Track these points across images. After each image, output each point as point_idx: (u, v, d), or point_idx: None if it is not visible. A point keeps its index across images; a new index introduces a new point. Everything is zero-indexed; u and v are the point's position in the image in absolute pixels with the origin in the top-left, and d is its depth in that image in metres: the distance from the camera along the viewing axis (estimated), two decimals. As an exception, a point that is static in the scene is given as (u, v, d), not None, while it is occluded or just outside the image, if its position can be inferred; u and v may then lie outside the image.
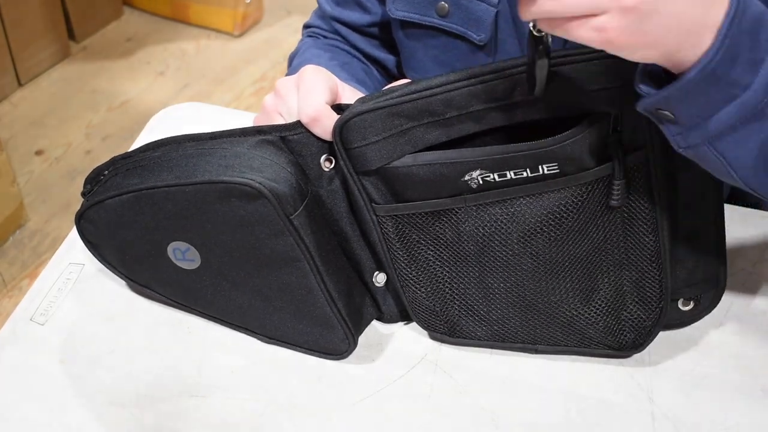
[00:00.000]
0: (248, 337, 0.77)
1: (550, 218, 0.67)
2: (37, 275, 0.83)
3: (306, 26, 1.02)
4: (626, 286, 0.71)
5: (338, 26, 0.97)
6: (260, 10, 2.67)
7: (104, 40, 2.58)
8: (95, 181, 0.75)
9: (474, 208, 0.68)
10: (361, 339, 0.75)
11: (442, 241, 0.70)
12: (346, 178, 0.70)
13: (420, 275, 0.72)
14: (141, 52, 2.55)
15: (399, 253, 0.72)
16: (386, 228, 0.71)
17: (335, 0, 0.96)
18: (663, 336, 0.75)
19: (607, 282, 0.71)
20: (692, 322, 0.75)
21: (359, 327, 0.75)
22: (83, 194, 0.75)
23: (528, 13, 0.54)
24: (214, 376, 0.74)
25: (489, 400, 0.71)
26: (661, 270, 0.69)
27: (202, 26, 2.64)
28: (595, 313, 0.71)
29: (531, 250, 0.69)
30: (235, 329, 0.77)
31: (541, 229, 0.68)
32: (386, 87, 0.68)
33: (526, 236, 0.68)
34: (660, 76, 0.58)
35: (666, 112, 0.58)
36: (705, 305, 0.74)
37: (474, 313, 0.73)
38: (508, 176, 0.66)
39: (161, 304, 0.79)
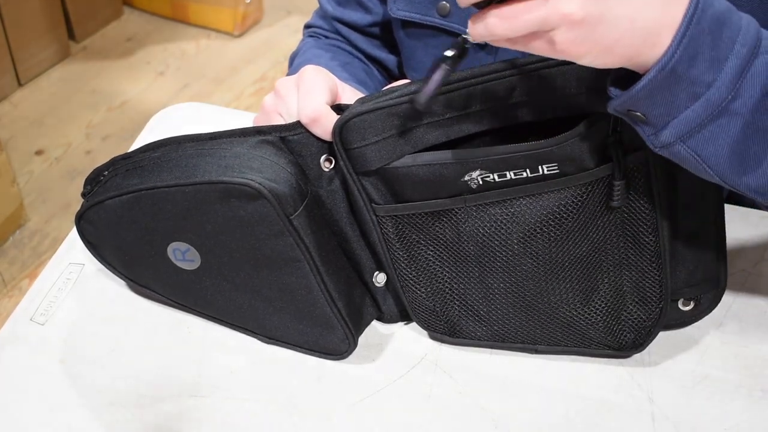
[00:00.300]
0: (248, 337, 0.77)
1: (550, 218, 0.67)
2: (37, 275, 0.83)
3: (307, 26, 1.02)
4: (626, 286, 0.71)
5: (339, 26, 0.97)
6: (260, 10, 2.67)
7: (104, 40, 2.59)
8: (95, 181, 0.75)
9: (474, 208, 0.68)
10: (361, 339, 0.75)
11: (441, 242, 0.70)
12: (346, 178, 0.69)
13: (420, 275, 0.72)
14: (141, 52, 2.55)
15: (399, 254, 0.72)
16: (386, 228, 0.71)
17: (336, 0, 0.96)
18: (663, 336, 0.75)
19: (607, 282, 0.71)
20: (692, 322, 0.75)
21: (359, 327, 0.75)
22: (83, 195, 0.75)
23: (480, 37, 0.56)
24: (214, 376, 0.74)
25: (489, 400, 0.71)
26: (661, 270, 0.69)
27: (202, 26, 2.64)
28: (595, 313, 0.71)
29: (531, 250, 0.69)
30: (235, 329, 0.77)
31: (541, 229, 0.68)
32: (386, 87, 0.68)
33: (526, 236, 0.68)
34: (629, 78, 0.58)
35: (637, 113, 0.58)
36: (705, 305, 0.74)
37: (474, 313, 0.73)
38: (508, 176, 0.66)
39: (161, 305, 0.79)
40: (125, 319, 0.78)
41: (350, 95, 0.73)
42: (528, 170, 0.65)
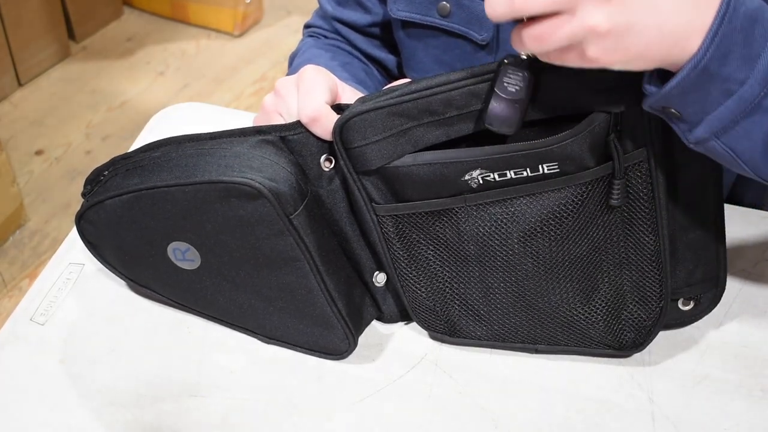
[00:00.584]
0: (248, 337, 0.77)
1: (551, 218, 0.67)
2: (37, 275, 0.83)
3: (307, 26, 1.02)
4: (626, 285, 0.71)
5: (339, 26, 0.97)
6: (260, 10, 2.67)
7: (104, 40, 2.59)
8: (95, 181, 0.75)
9: (474, 207, 0.68)
10: (361, 339, 0.75)
11: (442, 241, 0.70)
12: (346, 177, 0.69)
13: (420, 275, 0.72)
14: (141, 52, 2.55)
15: (399, 253, 0.72)
16: (386, 228, 0.71)
17: (336, 0, 0.96)
18: (663, 336, 0.75)
19: (607, 281, 0.71)
20: (692, 322, 0.75)
21: (359, 327, 0.75)
22: (83, 195, 0.75)
23: (521, 51, 0.59)
24: (214, 376, 0.74)
25: (489, 400, 0.71)
26: (661, 269, 0.69)
27: (202, 26, 2.64)
28: (595, 312, 0.71)
29: (531, 249, 0.69)
30: (235, 329, 0.77)
31: (542, 228, 0.68)
32: (386, 87, 0.68)
33: (527, 236, 0.68)
34: (665, 74, 0.59)
35: (672, 110, 0.59)
36: (705, 305, 0.74)
37: (474, 313, 0.73)
38: (509, 176, 0.66)
39: (161, 304, 0.79)
40: (125, 319, 0.78)
41: (350, 95, 0.73)
42: (528, 169, 0.65)
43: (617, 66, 0.57)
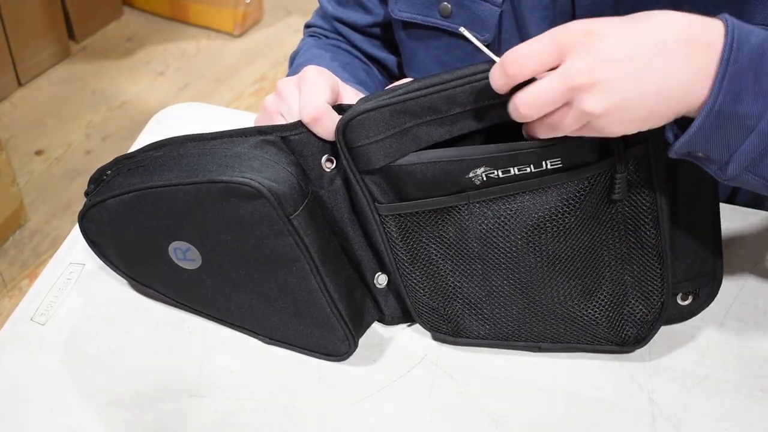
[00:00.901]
0: (248, 337, 0.77)
1: (553, 213, 0.67)
2: (37, 275, 0.83)
3: (307, 26, 1.02)
4: (628, 280, 0.71)
5: (340, 26, 0.97)
6: (260, 10, 2.67)
7: (104, 40, 2.59)
8: (98, 180, 0.75)
9: (477, 205, 0.68)
10: (362, 339, 0.75)
11: (445, 240, 0.70)
12: (349, 177, 0.69)
13: (423, 275, 0.72)
14: (141, 52, 2.55)
15: (402, 253, 0.72)
16: (389, 227, 0.71)
17: (337, 0, 0.96)
18: (663, 336, 0.75)
19: (609, 277, 0.71)
20: (691, 317, 0.75)
21: (360, 328, 0.75)
22: (86, 194, 0.75)
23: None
24: (214, 376, 0.74)
25: (489, 400, 0.71)
26: (662, 263, 0.70)
27: (202, 26, 2.64)
28: (597, 308, 0.72)
29: (534, 245, 0.69)
30: (235, 330, 0.77)
31: (545, 224, 0.68)
32: (389, 86, 0.68)
33: (530, 232, 0.68)
34: (686, 120, 0.60)
35: (699, 153, 0.60)
36: (703, 299, 0.74)
37: (477, 312, 0.73)
38: (512, 172, 0.66)
39: (162, 304, 0.79)
40: (125, 319, 0.78)
41: (351, 95, 0.73)
42: (532, 166, 0.65)
43: (635, 130, 0.59)
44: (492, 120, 0.65)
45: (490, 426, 0.69)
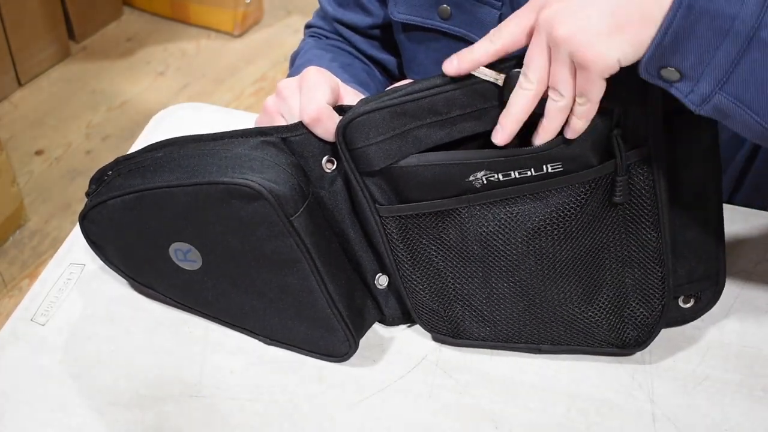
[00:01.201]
0: (249, 337, 0.77)
1: (554, 217, 0.67)
2: (37, 275, 0.83)
3: (308, 26, 1.02)
4: (629, 283, 0.71)
5: (340, 27, 0.97)
6: (260, 10, 2.67)
7: (104, 40, 2.59)
8: (99, 181, 0.75)
9: (478, 208, 0.68)
10: (362, 340, 0.75)
11: (445, 242, 0.70)
12: (349, 179, 0.69)
13: (423, 276, 0.72)
14: (141, 52, 2.55)
15: (402, 255, 0.71)
16: (389, 229, 0.70)
17: (337, 1, 0.96)
18: (664, 336, 0.75)
19: (610, 279, 0.71)
20: (692, 320, 0.75)
21: (360, 329, 0.75)
22: (87, 194, 0.75)
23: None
24: (214, 376, 0.74)
25: (489, 400, 0.71)
26: (663, 266, 0.70)
27: (202, 26, 2.64)
28: (598, 311, 0.72)
29: (535, 248, 0.69)
30: (236, 330, 0.77)
31: (545, 228, 0.68)
32: (389, 87, 0.68)
33: (531, 235, 0.68)
34: None
35: (670, 69, 0.58)
36: (705, 303, 0.74)
37: (478, 314, 0.73)
38: (513, 176, 0.66)
39: (162, 304, 0.79)
40: (125, 319, 0.78)
41: (352, 96, 0.73)
42: (533, 169, 0.65)
43: (615, 50, 0.57)
44: (493, 123, 0.65)
45: (490, 426, 0.69)
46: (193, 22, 2.65)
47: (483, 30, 0.84)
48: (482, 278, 0.71)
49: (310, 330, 0.74)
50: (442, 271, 0.72)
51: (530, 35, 0.60)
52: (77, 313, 0.79)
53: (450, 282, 0.72)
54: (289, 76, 0.88)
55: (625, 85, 0.62)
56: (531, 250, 0.69)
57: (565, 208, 0.67)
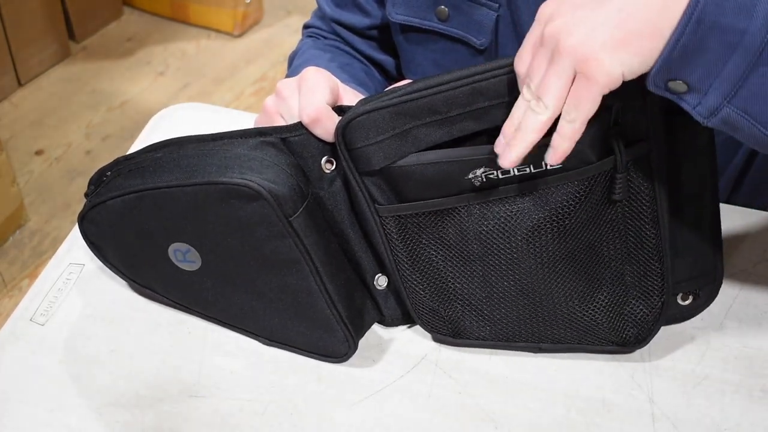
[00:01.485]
0: (248, 338, 0.77)
1: (554, 214, 0.67)
2: (37, 275, 0.83)
3: (306, 26, 1.02)
4: (628, 280, 0.71)
5: (338, 28, 0.97)
6: (260, 10, 2.67)
7: (104, 40, 2.59)
8: (98, 181, 0.75)
9: (477, 206, 0.68)
10: (361, 340, 0.75)
11: (445, 241, 0.70)
12: (348, 179, 0.69)
13: (423, 276, 0.72)
14: (141, 52, 2.55)
15: (402, 254, 0.72)
16: (389, 229, 0.70)
17: (335, 2, 0.96)
18: (663, 336, 0.75)
19: (609, 277, 0.71)
20: (691, 317, 0.75)
21: (360, 330, 0.75)
22: (86, 195, 0.75)
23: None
24: (214, 376, 0.74)
25: (489, 400, 0.71)
26: (663, 263, 0.70)
27: (202, 26, 2.64)
28: (598, 308, 0.72)
29: (535, 246, 0.69)
30: (235, 331, 0.77)
31: (545, 225, 0.68)
32: (388, 88, 0.68)
33: (530, 233, 0.68)
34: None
35: (678, 81, 0.57)
36: (703, 300, 0.74)
37: (477, 313, 0.73)
38: (512, 173, 0.66)
39: (162, 305, 0.79)
40: (125, 319, 0.78)
41: (351, 96, 0.73)
42: (531, 166, 0.65)
43: (624, 63, 0.56)
44: (491, 121, 0.65)
45: (490, 426, 0.69)
46: (193, 22, 2.65)
47: (480, 32, 0.84)
48: (482, 277, 0.71)
49: (310, 330, 0.74)
50: (441, 270, 0.72)
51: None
52: (77, 313, 0.79)
53: (450, 281, 0.72)
54: (288, 76, 0.88)
55: (624, 82, 0.62)
56: (530, 248, 0.69)
57: (564, 205, 0.67)
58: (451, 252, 0.71)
